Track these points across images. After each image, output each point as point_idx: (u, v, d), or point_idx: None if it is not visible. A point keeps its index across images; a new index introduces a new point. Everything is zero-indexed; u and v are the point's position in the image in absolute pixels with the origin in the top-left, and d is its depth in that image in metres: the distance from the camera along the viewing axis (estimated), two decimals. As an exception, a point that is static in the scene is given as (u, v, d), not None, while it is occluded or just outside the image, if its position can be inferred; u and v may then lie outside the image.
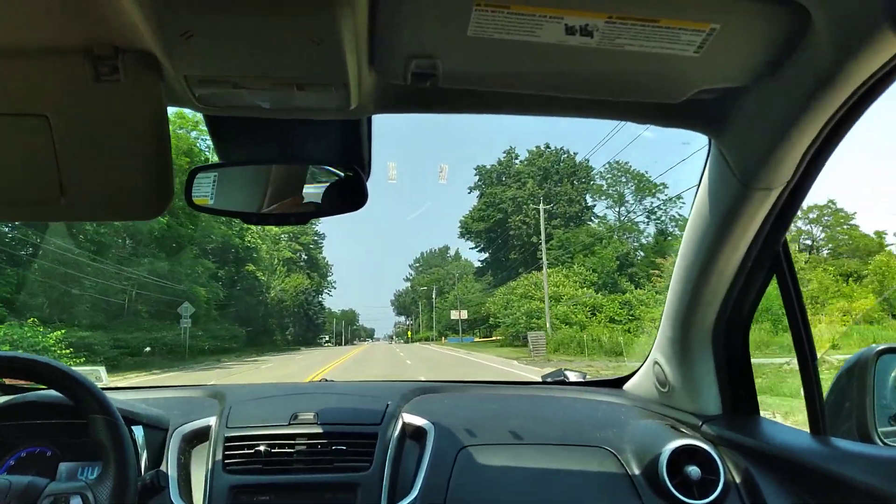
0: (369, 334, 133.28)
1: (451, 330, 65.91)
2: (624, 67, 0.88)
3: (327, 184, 1.21)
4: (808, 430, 1.25)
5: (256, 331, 43.58)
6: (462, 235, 58.35)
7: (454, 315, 60.98)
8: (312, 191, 1.22)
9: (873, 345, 1.29)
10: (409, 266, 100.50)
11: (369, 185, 1.17)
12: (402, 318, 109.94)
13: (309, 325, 66.74)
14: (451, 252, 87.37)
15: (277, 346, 48.50)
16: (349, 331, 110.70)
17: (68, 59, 0.78)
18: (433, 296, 76.09)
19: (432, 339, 73.03)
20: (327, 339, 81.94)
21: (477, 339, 54.33)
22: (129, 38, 0.77)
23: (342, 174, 1.18)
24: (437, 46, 0.84)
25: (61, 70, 0.79)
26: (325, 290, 75.70)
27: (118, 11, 0.71)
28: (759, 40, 0.83)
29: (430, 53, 0.85)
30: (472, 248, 57.25)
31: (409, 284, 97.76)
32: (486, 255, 57.89)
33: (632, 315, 29.96)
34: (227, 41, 0.77)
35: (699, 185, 1.28)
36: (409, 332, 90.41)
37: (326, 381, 2.10)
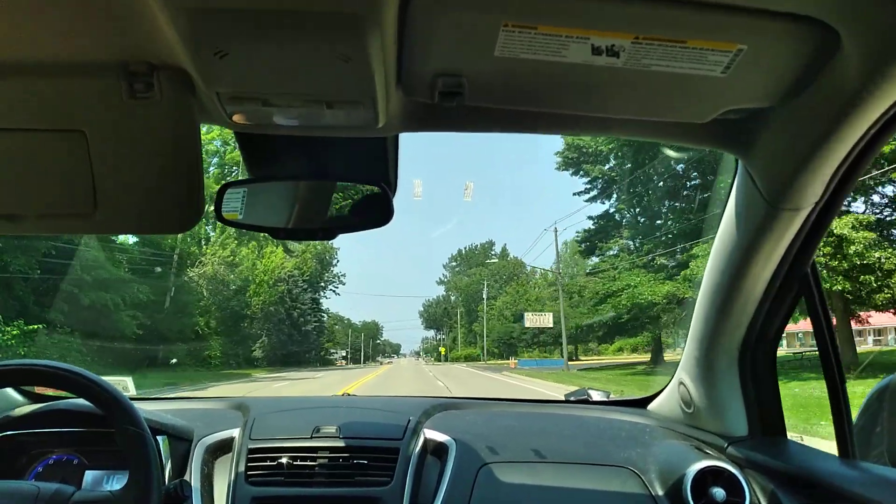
0: (395, 350, 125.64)
1: (504, 345, 47.80)
2: (650, 87, 0.88)
3: (354, 200, 1.24)
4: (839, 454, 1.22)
5: (134, 343, 24.19)
6: (564, 165, 30.31)
7: (529, 321, 37.55)
8: (340, 207, 1.24)
9: (905, 369, 1.26)
10: (444, 266, 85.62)
11: (395, 201, 1.19)
12: (432, 333, 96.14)
13: (291, 335, 41.80)
14: (497, 248, 76.32)
15: (212, 370, 28.69)
16: (371, 346, 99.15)
17: (104, 76, 0.81)
18: (484, 296, 55.63)
19: (479, 359, 52.29)
20: (343, 355, 69.57)
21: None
22: (163, 56, 0.79)
23: (369, 190, 1.21)
24: (464, 66, 0.85)
25: (98, 87, 0.82)
26: (330, 286, 53.16)
27: (154, 30, 0.73)
28: (786, 61, 0.83)
29: (457, 72, 0.86)
30: (578, 193, 30.81)
31: (442, 291, 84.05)
32: (609, 202, 30.45)
33: None
34: (260, 60, 0.79)
35: (726, 205, 1.27)
36: (443, 349, 73.76)
37: (349, 395, 2.12)
